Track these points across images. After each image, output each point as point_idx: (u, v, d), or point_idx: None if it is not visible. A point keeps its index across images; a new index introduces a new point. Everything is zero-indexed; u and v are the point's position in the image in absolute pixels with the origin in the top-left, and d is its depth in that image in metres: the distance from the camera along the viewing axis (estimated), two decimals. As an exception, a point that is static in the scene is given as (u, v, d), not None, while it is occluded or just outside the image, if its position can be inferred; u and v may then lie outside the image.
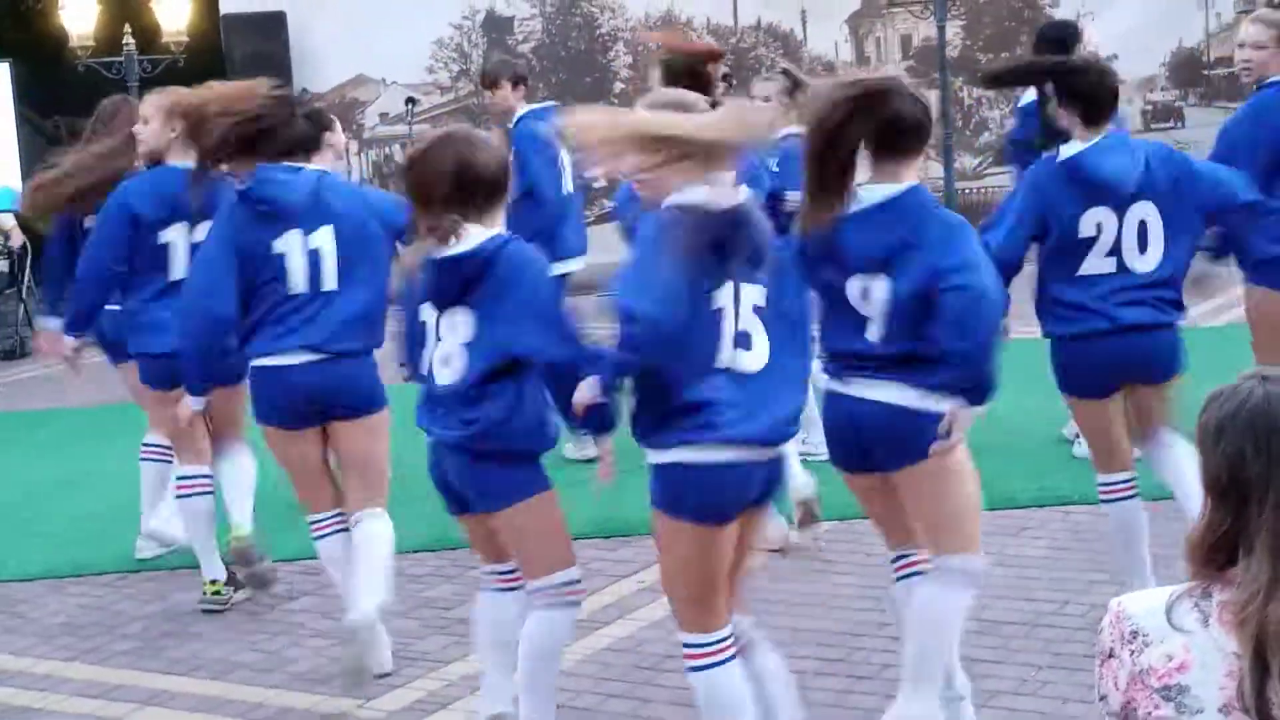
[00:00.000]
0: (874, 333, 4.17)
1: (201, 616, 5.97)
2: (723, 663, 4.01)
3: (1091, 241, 5.02)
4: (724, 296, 3.89)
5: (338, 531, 5.37)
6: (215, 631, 5.85)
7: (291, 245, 5.20)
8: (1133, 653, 2.24)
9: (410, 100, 13.03)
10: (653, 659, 5.21)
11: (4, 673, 5.62)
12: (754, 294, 3.93)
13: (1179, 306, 5.13)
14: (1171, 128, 14.24)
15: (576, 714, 4.92)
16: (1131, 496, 5.23)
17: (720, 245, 3.87)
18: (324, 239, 5.22)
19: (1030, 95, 7.31)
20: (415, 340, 4.32)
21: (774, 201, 5.88)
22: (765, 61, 14.95)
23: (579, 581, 4.41)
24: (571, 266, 7.71)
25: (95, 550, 6.93)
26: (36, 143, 17.38)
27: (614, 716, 4.86)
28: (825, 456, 4.67)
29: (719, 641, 4.00)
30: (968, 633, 5.33)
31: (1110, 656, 2.27)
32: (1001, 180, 15.05)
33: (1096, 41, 6.54)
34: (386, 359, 5.05)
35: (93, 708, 5.25)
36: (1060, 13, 14.45)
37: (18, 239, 13.48)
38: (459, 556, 6.05)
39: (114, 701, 5.29)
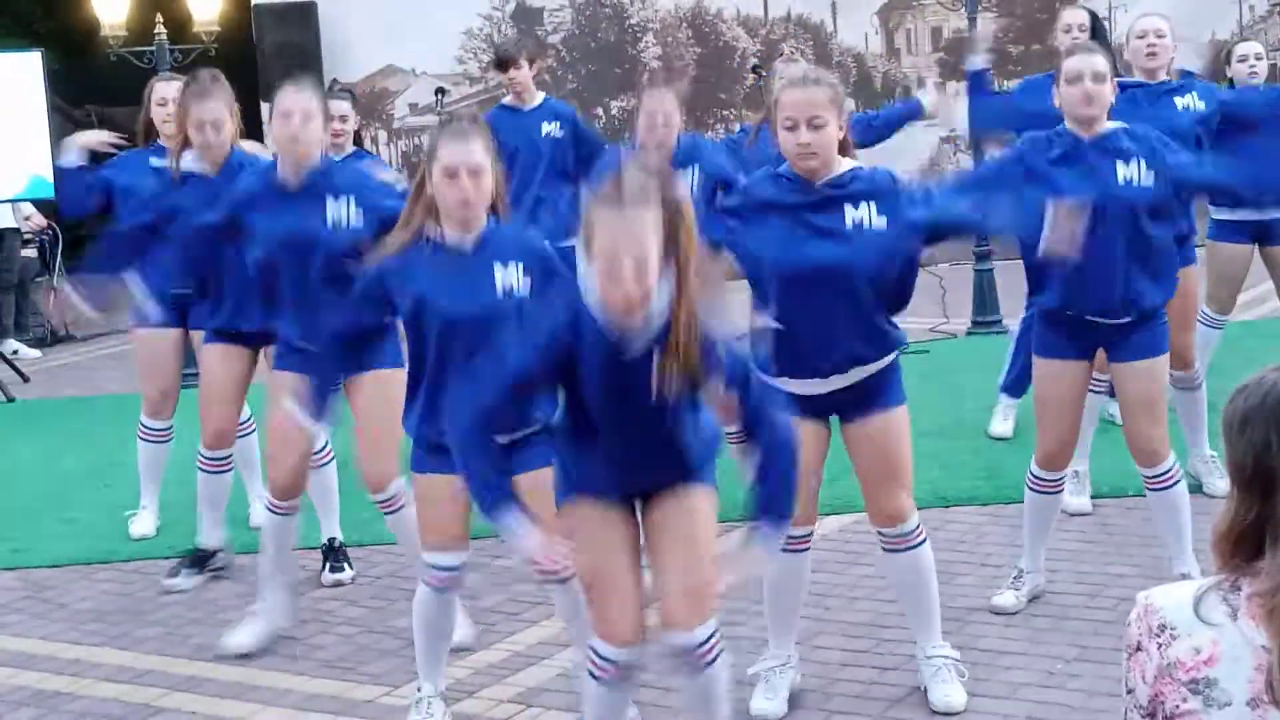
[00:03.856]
0: None
1: (229, 603, 5.98)
2: None
3: None
4: None
5: None
6: (243, 618, 5.87)
7: None
8: (1160, 646, 2.23)
9: (440, 90, 12.98)
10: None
11: (34, 657, 5.65)
12: None
13: None
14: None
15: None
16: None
17: None
18: None
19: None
20: None
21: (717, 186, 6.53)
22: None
23: None
24: None
25: (124, 537, 6.96)
26: (68, 131, 17.40)
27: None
28: None
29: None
30: (996, 625, 5.34)
31: (1138, 650, 2.26)
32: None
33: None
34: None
35: (121, 692, 5.27)
36: (1092, 4, 14.40)
37: (39, 222, 13.56)
38: (486, 545, 6.04)
39: (142, 686, 5.32)
